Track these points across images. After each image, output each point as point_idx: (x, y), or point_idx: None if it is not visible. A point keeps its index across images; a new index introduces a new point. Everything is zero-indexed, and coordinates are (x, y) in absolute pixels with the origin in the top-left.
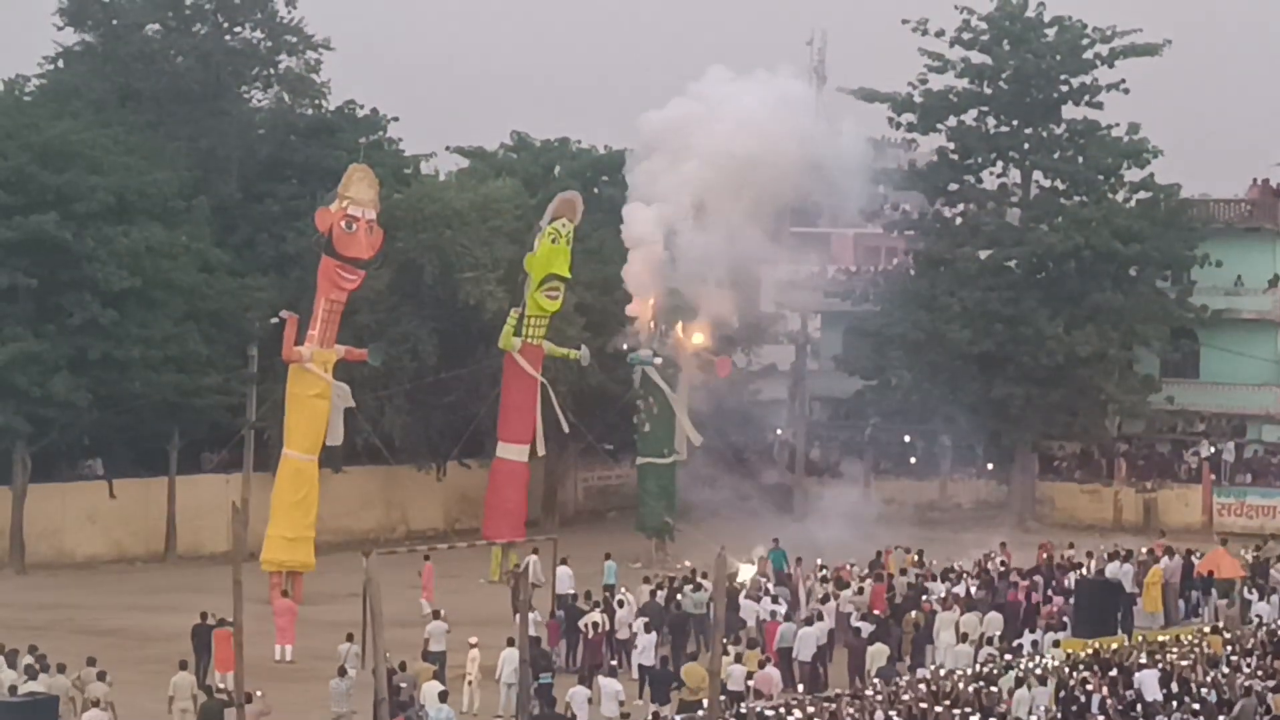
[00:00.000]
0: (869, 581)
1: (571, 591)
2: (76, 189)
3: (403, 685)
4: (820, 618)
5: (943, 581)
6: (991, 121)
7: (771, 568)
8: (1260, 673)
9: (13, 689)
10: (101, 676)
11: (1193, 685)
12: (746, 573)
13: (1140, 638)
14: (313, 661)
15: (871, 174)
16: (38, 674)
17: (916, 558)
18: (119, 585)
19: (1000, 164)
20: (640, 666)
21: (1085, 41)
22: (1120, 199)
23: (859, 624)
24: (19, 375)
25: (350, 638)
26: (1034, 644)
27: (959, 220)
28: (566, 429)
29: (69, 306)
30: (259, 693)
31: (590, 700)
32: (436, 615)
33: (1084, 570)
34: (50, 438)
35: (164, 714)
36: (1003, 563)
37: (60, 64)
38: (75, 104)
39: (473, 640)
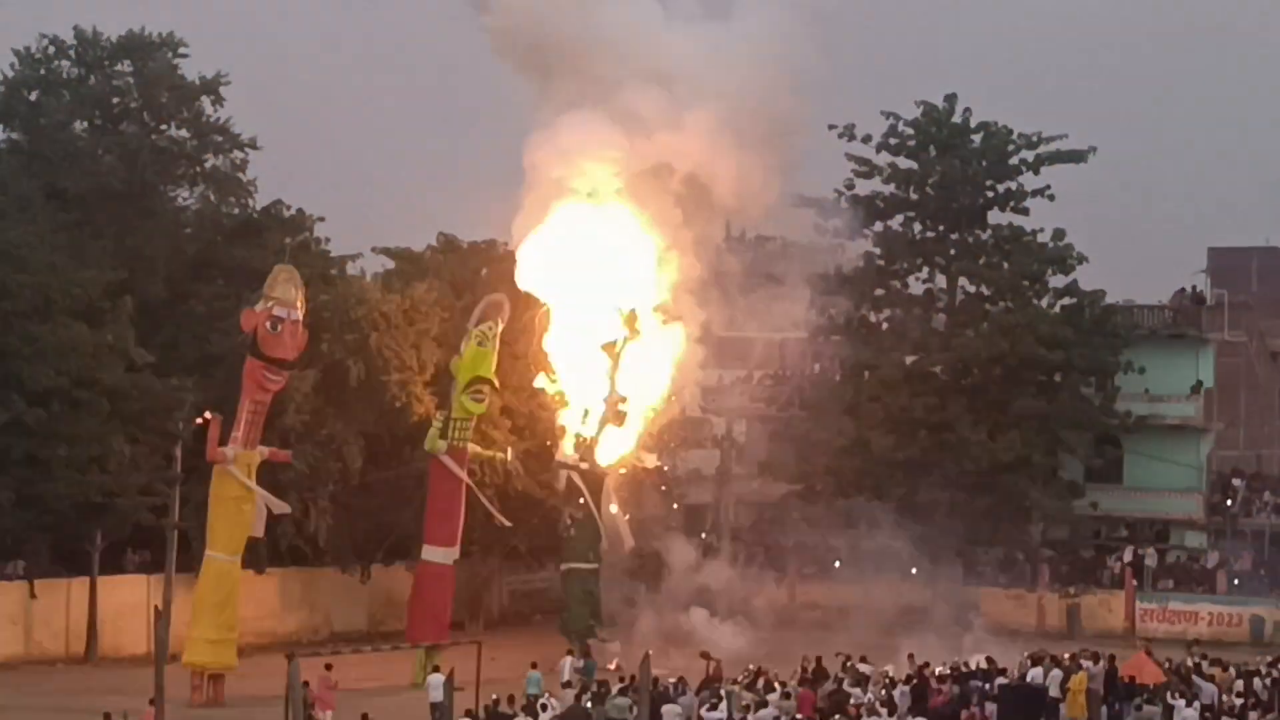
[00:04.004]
0: (795, 685)
1: (441, 700)
2: (2, 287)
3: None
4: None
5: (868, 687)
6: (918, 227)
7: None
8: None
9: None
10: None
11: None
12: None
13: None
14: None
15: (798, 278)
16: None
17: (847, 662)
18: (38, 686)
19: (926, 269)
20: None
21: (1011, 148)
22: (1045, 305)
23: None
24: None
25: None
26: None
27: (884, 325)
28: (508, 524)
29: None
30: None
31: None
32: (365, 718)
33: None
34: None
35: None
36: (925, 666)
37: None
38: (0, 201)
39: None
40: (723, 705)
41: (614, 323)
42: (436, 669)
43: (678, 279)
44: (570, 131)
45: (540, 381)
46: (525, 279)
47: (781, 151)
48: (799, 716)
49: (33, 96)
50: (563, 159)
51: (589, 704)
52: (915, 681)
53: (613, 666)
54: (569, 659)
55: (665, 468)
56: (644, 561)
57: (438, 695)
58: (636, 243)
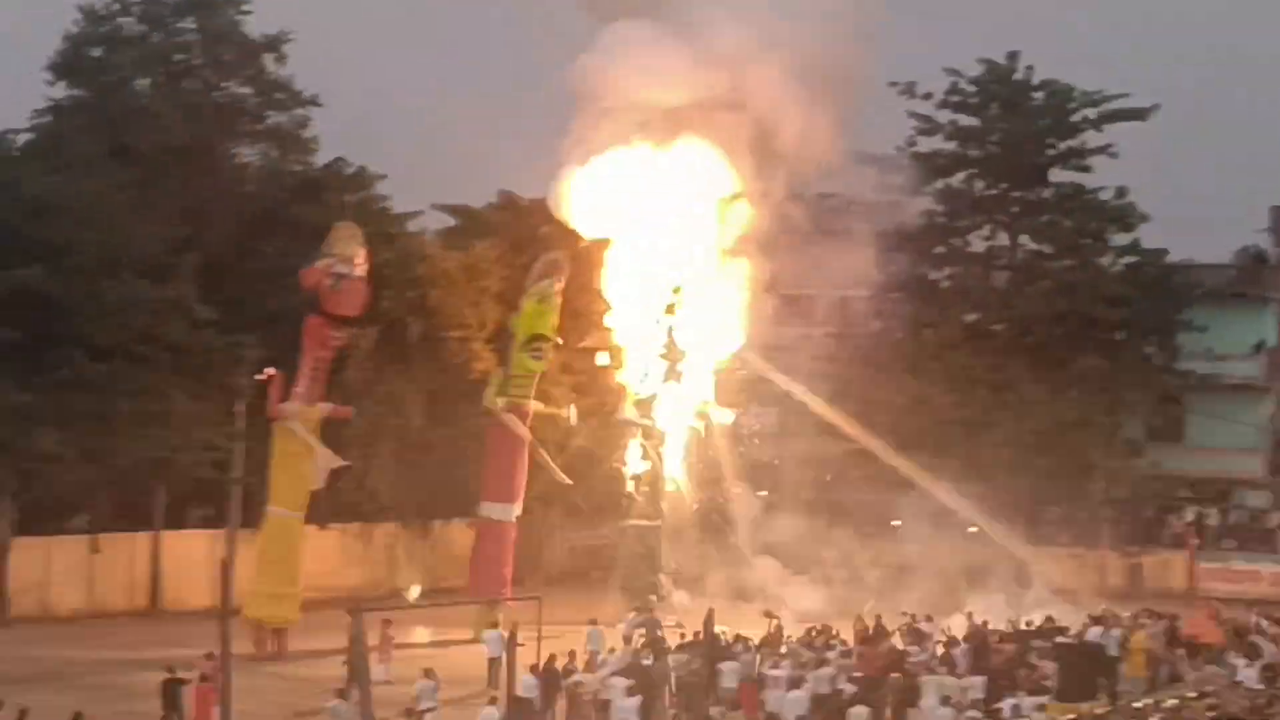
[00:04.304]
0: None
1: (498, 655)
2: (65, 243)
3: None
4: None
5: (926, 644)
6: (979, 184)
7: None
8: None
9: None
10: None
11: None
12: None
13: (1123, 703)
14: (294, 718)
15: (859, 236)
16: None
17: (911, 620)
18: (103, 640)
19: (988, 227)
20: None
21: (1073, 105)
22: (1106, 263)
23: (842, 685)
24: (5, 429)
25: (340, 694)
26: (1015, 708)
27: (946, 283)
28: (569, 482)
29: (56, 361)
30: None
31: None
32: (427, 674)
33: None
34: (36, 491)
35: None
36: (980, 625)
37: (50, 118)
38: (64, 158)
39: None
40: (785, 663)
41: (674, 272)
42: (494, 625)
43: (742, 229)
44: (635, 52)
45: (602, 359)
46: (578, 218)
47: (844, 107)
48: (859, 674)
49: (96, 53)
50: (625, 80)
51: (647, 660)
52: (975, 640)
53: (673, 623)
54: (631, 615)
55: (731, 423)
56: (711, 517)
57: (495, 651)
58: (704, 183)
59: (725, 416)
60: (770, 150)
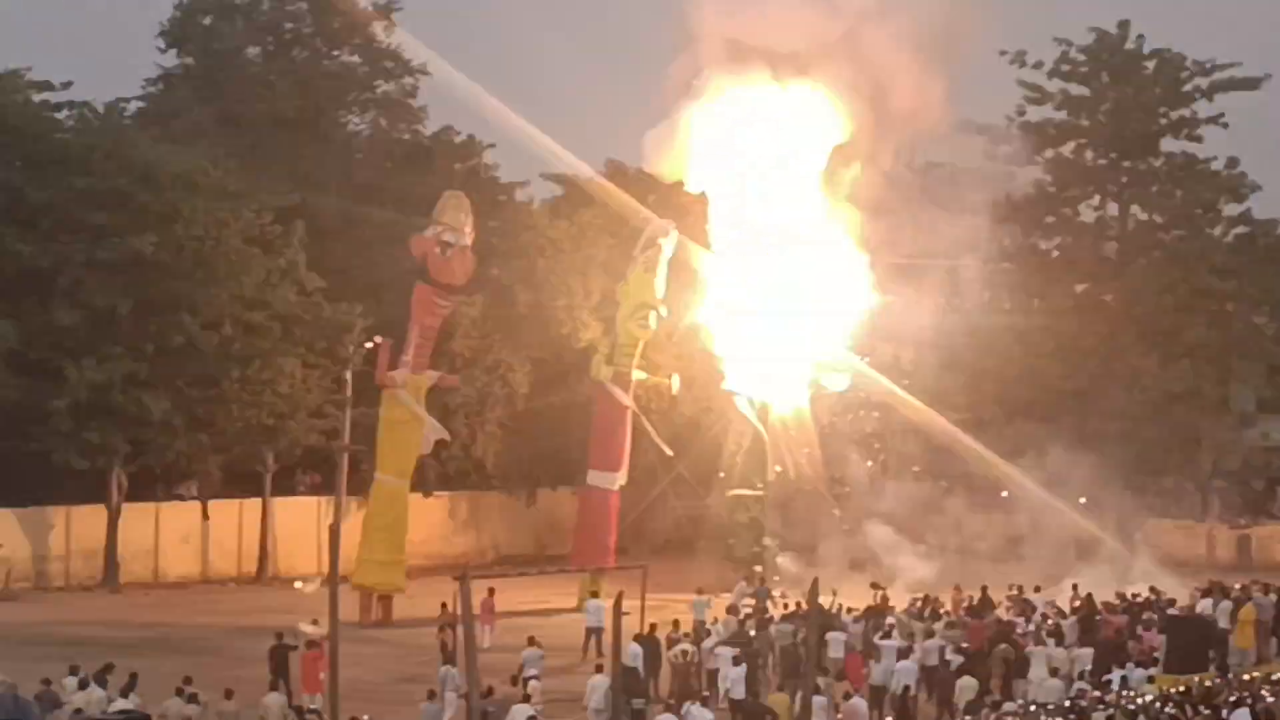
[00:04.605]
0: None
1: (598, 625)
2: (175, 211)
3: (490, 710)
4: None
5: (1032, 616)
6: (1089, 154)
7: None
8: None
9: (102, 709)
10: (194, 698)
11: None
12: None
13: (1233, 675)
14: (402, 685)
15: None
16: (130, 692)
17: (1016, 591)
18: (211, 606)
19: (1098, 197)
20: (732, 700)
21: (1184, 75)
22: (1217, 234)
23: (950, 656)
24: (116, 395)
25: (450, 661)
26: (1123, 679)
27: (1055, 254)
28: (670, 453)
29: (166, 328)
30: (365, 717)
31: None
32: (532, 642)
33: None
34: (146, 458)
35: None
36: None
37: (160, 87)
38: (175, 127)
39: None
40: (895, 634)
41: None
42: (594, 594)
43: (852, 189)
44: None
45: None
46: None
47: (955, 74)
48: (966, 646)
49: (206, 22)
50: (743, 22)
51: (752, 630)
52: (1084, 612)
53: (779, 593)
54: (741, 584)
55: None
56: (820, 486)
57: (594, 620)
58: (818, 130)
59: (838, 383)
60: (882, 110)
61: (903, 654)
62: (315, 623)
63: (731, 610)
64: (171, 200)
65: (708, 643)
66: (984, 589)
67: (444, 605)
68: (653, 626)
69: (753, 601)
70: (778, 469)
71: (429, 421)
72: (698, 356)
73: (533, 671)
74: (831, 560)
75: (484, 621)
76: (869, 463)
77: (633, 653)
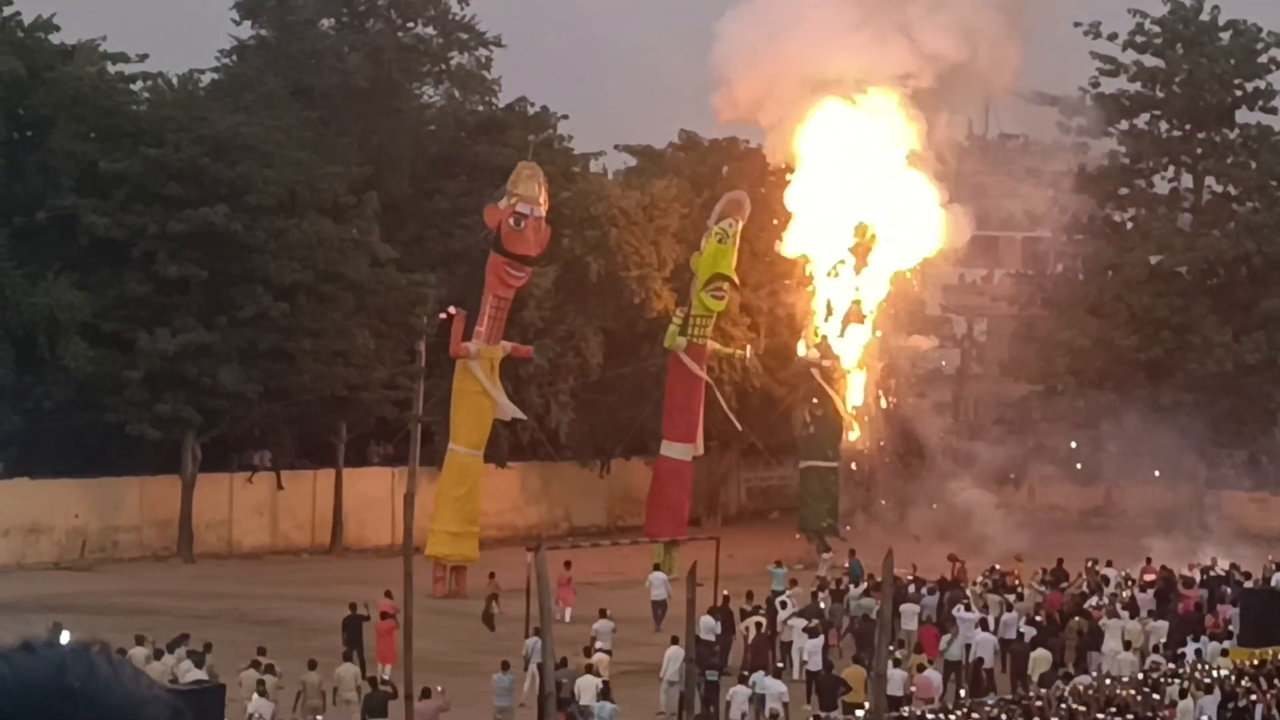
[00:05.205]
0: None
1: (663, 598)
2: (248, 182)
3: (563, 681)
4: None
5: (1107, 589)
6: (1164, 125)
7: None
8: None
9: (174, 679)
10: (270, 669)
11: None
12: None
13: None
14: (473, 655)
15: (1042, 177)
16: (203, 662)
17: (1092, 564)
18: (285, 576)
19: (1172, 169)
20: (808, 673)
21: (1260, 46)
22: None
23: (1024, 629)
24: (190, 366)
25: (537, 632)
26: (1198, 653)
27: (1129, 225)
28: (739, 427)
29: (239, 299)
30: (439, 688)
31: (750, 701)
32: (603, 614)
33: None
34: (220, 428)
35: (328, 705)
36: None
37: (235, 59)
38: (247, 98)
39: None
40: (973, 605)
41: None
42: (657, 567)
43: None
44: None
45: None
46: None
47: (1029, 46)
48: (1040, 619)
49: None
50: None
51: (824, 603)
52: (1160, 585)
53: (833, 563)
54: (827, 555)
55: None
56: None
57: (659, 593)
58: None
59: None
60: (960, 86)
61: (980, 627)
62: (389, 594)
63: (823, 581)
64: (244, 171)
65: (782, 615)
66: (1059, 561)
67: (491, 575)
68: (725, 598)
69: (841, 573)
70: (853, 436)
71: (503, 402)
72: (774, 328)
73: (602, 644)
74: (922, 530)
75: (562, 598)
76: (944, 435)
77: (707, 625)
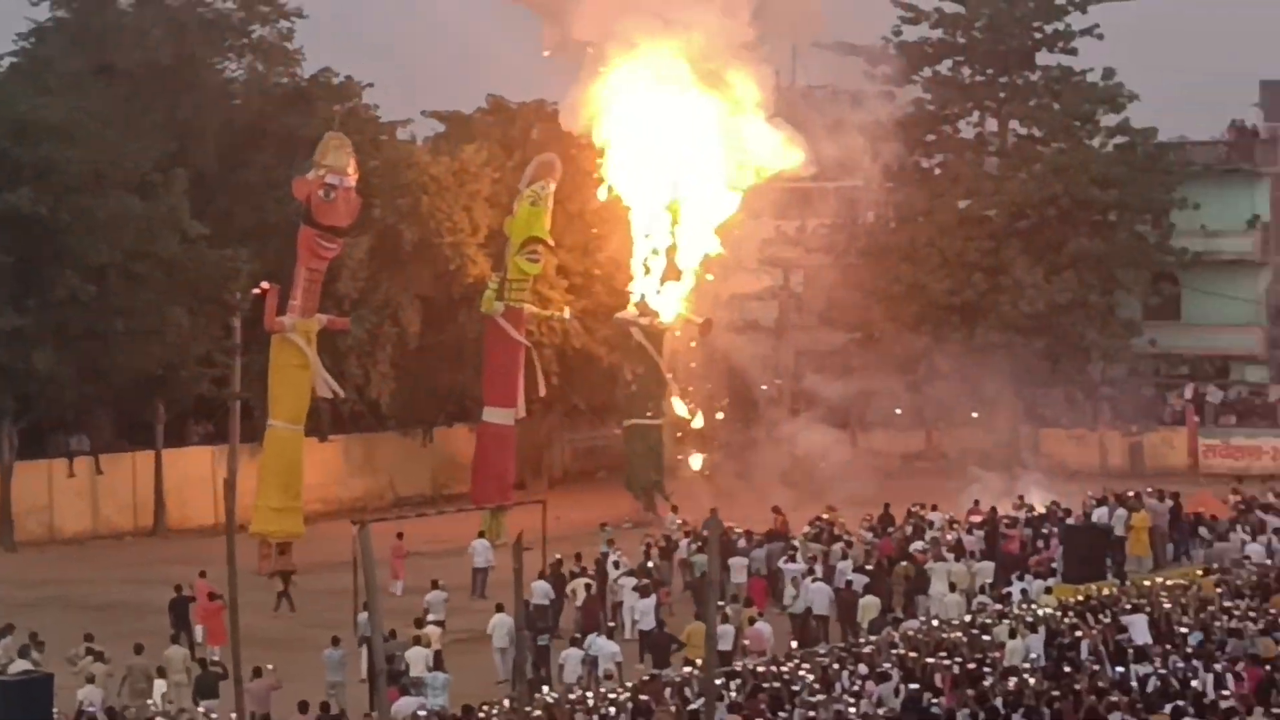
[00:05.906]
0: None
1: (483, 566)
2: (52, 163)
3: (395, 654)
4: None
5: (930, 532)
6: (967, 71)
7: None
8: (1251, 614)
9: (2, 668)
10: (100, 656)
11: (1181, 628)
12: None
13: (1129, 582)
14: (304, 630)
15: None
16: (29, 652)
17: (918, 508)
18: (109, 560)
19: (976, 113)
20: (641, 632)
21: None
22: (1097, 144)
23: (851, 576)
24: (2, 351)
25: (335, 642)
26: (1024, 592)
27: (937, 171)
28: (543, 391)
29: (49, 281)
30: (269, 666)
31: (583, 663)
32: (435, 585)
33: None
34: (35, 413)
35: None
36: (992, 511)
37: (33, 40)
38: (49, 79)
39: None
40: (799, 556)
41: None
42: (483, 534)
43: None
44: None
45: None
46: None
47: None
48: (868, 566)
49: None
50: None
51: (653, 561)
52: (987, 527)
53: (680, 522)
54: (671, 515)
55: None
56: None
57: (482, 560)
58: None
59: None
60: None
61: (811, 576)
62: (203, 575)
63: (664, 542)
64: (47, 153)
65: (612, 575)
66: (886, 506)
67: (281, 551)
68: (558, 561)
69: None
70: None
71: (322, 376)
72: (591, 289)
73: (435, 615)
74: (765, 481)
75: (394, 571)
76: (762, 387)
77: (541, 590)
